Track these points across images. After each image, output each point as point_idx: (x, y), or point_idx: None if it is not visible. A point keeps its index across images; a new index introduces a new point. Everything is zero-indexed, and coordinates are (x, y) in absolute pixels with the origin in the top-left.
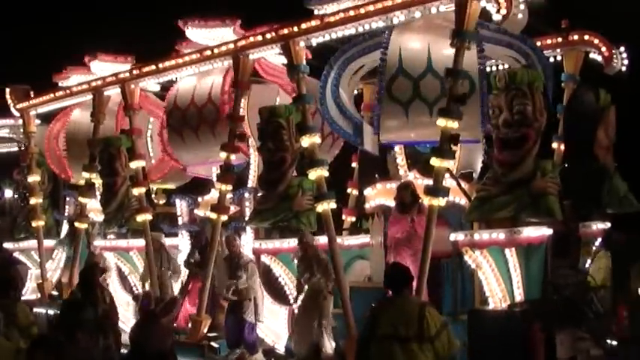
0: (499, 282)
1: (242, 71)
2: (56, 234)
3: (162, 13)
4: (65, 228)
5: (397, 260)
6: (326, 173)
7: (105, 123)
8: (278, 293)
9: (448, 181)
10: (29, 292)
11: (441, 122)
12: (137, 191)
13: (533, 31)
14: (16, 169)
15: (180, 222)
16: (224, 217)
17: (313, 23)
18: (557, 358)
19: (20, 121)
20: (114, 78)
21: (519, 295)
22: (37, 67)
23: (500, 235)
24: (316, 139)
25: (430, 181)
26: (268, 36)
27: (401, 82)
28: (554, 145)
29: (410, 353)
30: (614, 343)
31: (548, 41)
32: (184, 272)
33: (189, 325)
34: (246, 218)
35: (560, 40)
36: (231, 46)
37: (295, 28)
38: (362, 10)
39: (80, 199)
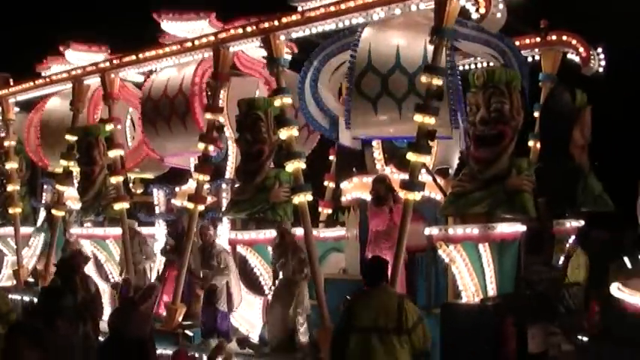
0: (472, 276)
1: (222, 63)
2: (33, 221)
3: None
4: (42, 215)
5: (376, 253)
6: (303, 165)
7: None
8: (253, 283)
9: (424, 176)
10: (5, 278)
11: (418, 118)
12: (115, 180)
13: (511, 31)
14: None
15: (157, 211)
16: (201, 208)
17: (294, 18)
18: (529, 352)
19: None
20: (94, 67)
21: (492, 290)
22: (19, 55)
23: (474, 230)
24: (294, 131)
25: (406, 176)
26: (249, 29)
27: (370, 78)
28: (531, 143)
29: (389, 345)
30: (585, 338)
31: (527, 41)
32: (161, 260)
33: (164, 313)
34: (223, 209)
35: (538, 39)
36: (212, 38)
37: (276, 22)
38: (342, 6)
39: (58, 186)
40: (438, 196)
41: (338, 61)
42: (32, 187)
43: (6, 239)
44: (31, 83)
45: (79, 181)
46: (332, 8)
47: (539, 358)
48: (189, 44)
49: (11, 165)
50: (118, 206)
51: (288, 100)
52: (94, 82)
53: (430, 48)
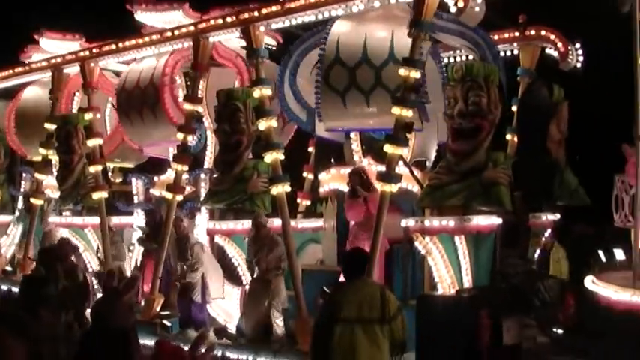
0: (448, 268)
1: (201, 53)
2: (11, 210)
3: None
4: (21, 204)
5: (355, 244)
6: (281, 156)
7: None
8: (231, 274)
9: (401, 169)
10: None
11: (396, 110)
12: (94, 169)
13: (490, 25)
14: None
15: (135, 201)
16: (179, 197)
17: (274, 9)
18: (504, 344)
19: None
20: (73, 56)
21: (468, 282)
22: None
23: (450, 222)
24: (273, 122)
25: (383, 168)
26: (229, 19)
27: (338, 71)
28: (508, 137)
29: (372, 335)
30: (560, 331)
31: (505, 35)
32: (139, 250)
33: (142, 303)
34: (202, 199)
35: (517, 34)
36: (192, 28)
37: (256, 13)
38: None
39: (37, 175)
40: (415, 188)
41: (317, 53)
42: (11, 175)
43: None
44: (10, 71)
45: (58, 169)
46: (312, 0)
47: (513, 350)
48: (168, 34)
49: None
50: (96, 195)
51: (267, 91)
52: (73, 70)
53: (397, 40)
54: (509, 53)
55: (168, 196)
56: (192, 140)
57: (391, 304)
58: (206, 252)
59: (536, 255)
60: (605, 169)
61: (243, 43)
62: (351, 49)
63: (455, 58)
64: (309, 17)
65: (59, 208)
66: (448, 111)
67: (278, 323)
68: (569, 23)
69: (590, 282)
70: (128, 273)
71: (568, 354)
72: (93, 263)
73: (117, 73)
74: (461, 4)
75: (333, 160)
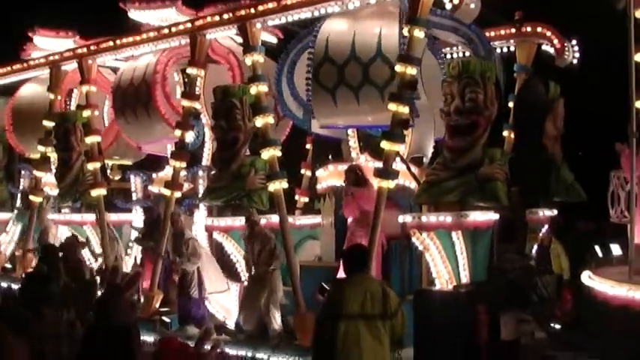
0: (445, 264)
1: (199, 50)
2: (10, 207)
3: None
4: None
5: (352, 240)
6: (278, 153)
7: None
8: (230, 270)
9: (398, 165)
10: None
11: (392, 107)
12: (92, 166)
13: (486, 22)
14: None
15: (134, 198)
16: (177, 194)
17: (270, 5)
18: (501, 340)
19: None
20: (71, 53)
21: (465, 278)
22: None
23: (447, 218)
24: (270, 119)
25: (380, 164)
26: (225, 16)
27: (327, 69)
28: (505, 133)
29: (375, 330)
30: (558, 326)
31: (502, 32)
32: (138, 248)
33: (142, 299)
34: (200, 195)
35: (513, 31)
36: (189, 25)
37: (252, 10)
38: None
39: (35, 172)
40: (412, 185)
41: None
42: (9, 172)
43: None
44: (9, 68)
45: (57, 167)
46: None
47: (511, 345)
48: (166, 31)
49: None
50: (95, 192)
51: (263, 87)
52: (69, 67)
53: (385, 36)
54: (505, 50)
55: (167, 192)
56: (191, 137)
57: (392, 300)
58: (202, 247)
59: (533, 251)
60: (602, 165)
61: (239, 40)
62: (339, 47)
63: (452, 54)
64: (305, 14)
65: (58, 205)
66: (445, 107)
67: (276, 319)
68: (565, 20)
69: (586, 277)
70: (124, 270)
71: (565, 349)
72: (92, 260)
73: (115, 71)
74: (456, 1)
75: (331, 157)
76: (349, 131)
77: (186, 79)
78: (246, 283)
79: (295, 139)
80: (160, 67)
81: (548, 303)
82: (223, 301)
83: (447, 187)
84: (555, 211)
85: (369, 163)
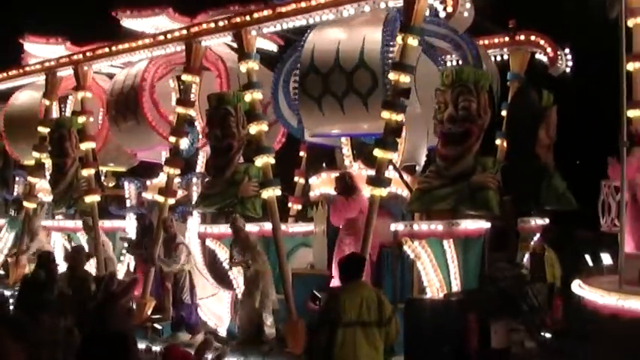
0: (437, 272)
1: (194, 57)
2: (4, 213)
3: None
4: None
5: (341, 248)
6: (272, 160)
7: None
8: (222, 278)
9: (391, 173)
10: None
11: (385, 115)
12: (86, 172)
13: (480, 30)
14: None
15: (128, 204)
16: (171, 201)
17: (265, 13)
18: (492, 348)
19: None
20: (67, 59)
21: (456, 286)
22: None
23: (438, 226)
24: (264, 126)
25: (373, 172)
26: (221, 24)
27: (312, 78)
28: (498, 141)
29: (372, 337)
30: (548, 335)
31: (495, 40)
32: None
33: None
34: (193, 202)
35: (506, 39)
36: (184, 32)
37: (247, 17)
38: (313, 2)
39: (29, 178)
40: (405, 193)
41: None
42: (4, 178)
43: None
44: (4, 74)
45: (51, 173)
46: (303, 4)
47: (501, 354)
48: (161, 38)
49: None
50: (89, 199)
51: (258, 95)
52: (63, 73)
53: (368, 44)
54: (499, 58)
55: (160, 199)
56: (186, 144)
57: (387, 308)
58: (192, 253)
59: (525, 259)
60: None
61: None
62: (324, 56)
63: (445, 62)
64: (300, 22)
65: (52, 211)
66: (438, 115)
67: (268, 325)
68: (558, 29)
69: (577, 286)
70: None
71: (556, 358)
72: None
73: (111, 77)
74: (450, 9)
75: (324, 165)
76: (343, 139)
77: (181, 86)
78: (239, 292)
79: (289, 146)
80: (147, 75)
81: (539, 312)
82: (214, 308)
83: (439, 195)
84: (547, 220)
85: (362, 171)
